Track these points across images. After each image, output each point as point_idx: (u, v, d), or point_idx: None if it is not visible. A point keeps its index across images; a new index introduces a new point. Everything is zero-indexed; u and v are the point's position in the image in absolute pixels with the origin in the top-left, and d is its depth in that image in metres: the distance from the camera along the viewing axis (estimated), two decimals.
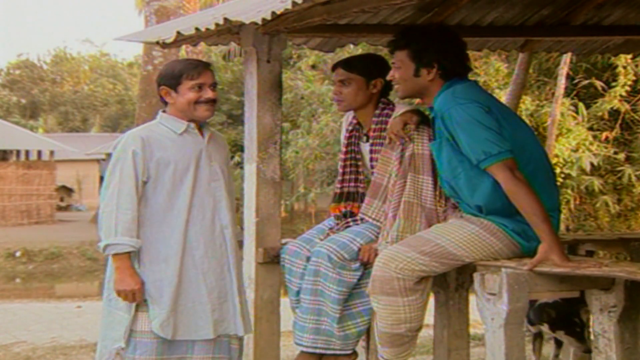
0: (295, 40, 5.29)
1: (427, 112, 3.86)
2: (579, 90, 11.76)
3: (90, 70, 49.11)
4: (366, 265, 3.94)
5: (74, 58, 49.98)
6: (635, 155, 11.76)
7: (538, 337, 4.93)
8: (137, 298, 3.61)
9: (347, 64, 4.16)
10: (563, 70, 11.01)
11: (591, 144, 11.52)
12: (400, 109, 4.04)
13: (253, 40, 4.20)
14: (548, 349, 5.13)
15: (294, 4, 3.19)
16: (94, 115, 46.32)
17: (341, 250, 3.94)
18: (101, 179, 4.22)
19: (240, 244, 3.96)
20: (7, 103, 45.88)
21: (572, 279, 3.28)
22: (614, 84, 11.30)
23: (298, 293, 4.07)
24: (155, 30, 5.60)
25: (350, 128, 4.26)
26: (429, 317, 3.80)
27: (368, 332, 4.24)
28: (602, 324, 3.34)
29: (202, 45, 7.87)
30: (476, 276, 3.38)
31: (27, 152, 31.34)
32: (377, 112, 4.12)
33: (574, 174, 11.23)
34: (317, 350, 4.01)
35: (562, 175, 11.05)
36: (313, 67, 17.36)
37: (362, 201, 4.08)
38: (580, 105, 11.57)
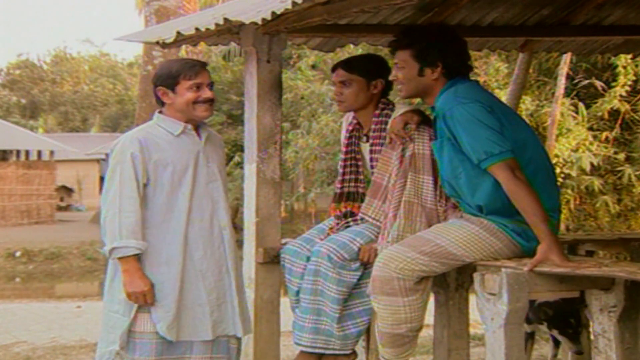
0: (295, 40, 5.29)
1: (428, 112, 3.86)
2: (579, 90, 11.77)
3: (90, 70, 49.10)
4: (366, 265, 3.94)
5: (74, 58, 49.97)
6: (635, 155, 11.77)
7: (530, 337, 4.93)
8: (149, 299, 3.60)
9: (348, 65, 4.16)
10: (563, 70, 11.03)
11: (591, 144, 11.54)
12: (400, 109, 4.04)
13: (253, 40, 4.19)
14: (548, 349, 5.13)
15: (294, 4, 3.19)
16: (94, 115, 46.33)
17: (341, 250, 3.94)
18: (101, 179, 4.20)
19: (239, 243, 3.95)
20: (7, 103, 45.89)
21: (572, 279, 3.29)
22: (614, 84, 11.31)
23: (298, 293, 4.07)
24: (155, 30, 5.60)
25: (350, 128, 4.26)
26: (429, 317, 3.80)
27: (368, 332, 4.25)
28: (602, 324, 3.33)
29: (202, 45, 7.87)
30: (476, 276, 3.38)
31: (27, 152, 31.33)
32: (377, 112, 4.11)
33: (574, 174, 11.25)
34: (317, 350, 4.01)
35: (562, 175, 11.06)
36: (313, 67, 17.37)
37: (362, 201, 4.08)
38: (580, 105, 11.59)
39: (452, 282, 3.90)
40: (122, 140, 3.73)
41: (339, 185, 4.25)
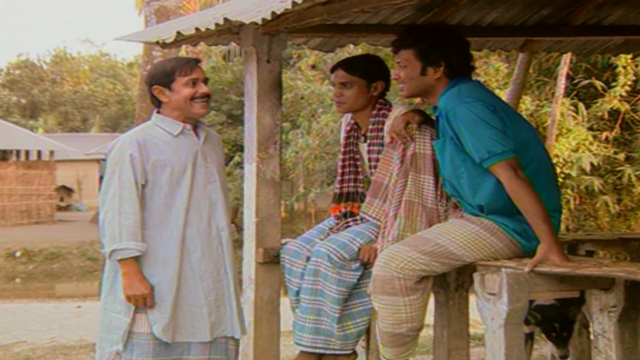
0: (295, 40, 5.29)
1: (429, 112, 3.86)
2: (579, 90, 11.77)
3: (90, 70, 49.14)
4: (366, 265, 3.94)
5: (74, 58, 50.00)
6: (635, 155, 11.77)
7: (530, 337, 4.93)
8: (148, 302, 3.60)
9: (349, 66, 4.14)
10: (563, 70, 11.03)
11: (591, 144, 11.53)
12: (397, 109, 4.04)
13: (253, 40, 4.19)
14: (548, 349, 5.13)
15: (294, 4, 3.19)
16: (93, 115, 46.33)
17: (341, 250, 3.94)
18: (101, 179, 4.18)
19: (239, 243, 3.95)
20: (7, 103, 45.88)
21: (572, 279, 3.28)
22: (614, 84, 11.31)
23: (298, 293, 4.07)
24: (155, 30, 5.59)
25: (348, 129, 4.26)
26: (429, 317, 3.80)
27: (368, 332, 4.25)
28: (602, 324, 3.33)
29: (202, 45, 7.87)
30: (476, 276, 3.38)
31: (27, 152, 31.33)
32: (374, 112, 4.11)
33: (574, 174, 11.24)
34: (317, 350, 4.01)
35: (562, 175, 11.06)
36: (313, 67, 17.38)
37: (361, 201, 4.08)
38: (580, 105, 11.58)
39: (452, 282, 3.90)
40: (120, 141, 3.72)
41: (338, 186, 4.25)
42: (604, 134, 11.75)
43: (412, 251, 3.47)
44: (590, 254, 4.86)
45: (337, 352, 4.01)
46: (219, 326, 3.75)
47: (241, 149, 14.42)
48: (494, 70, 11.53)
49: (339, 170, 4.26)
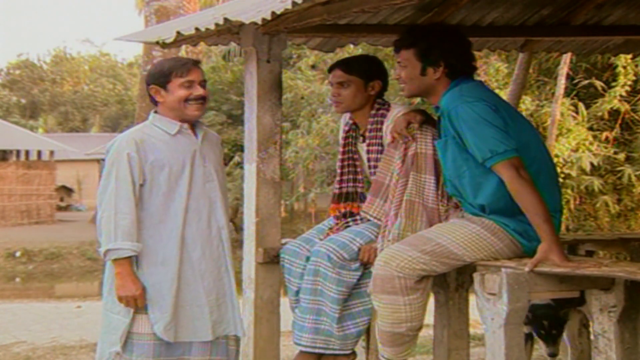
0: (295, 40, 5.29)
1: (431, 112, 3.86)
2: (579, 90, 11.76)
3: (90, 70, 49.13)
4: (366, 265, 3.94)
5: (73, 58, 49.99)
6: (635, 155, 11.77)
7: (530, 337, 4.93)
8: (139, 304, 3.59)
9: (347, 66, 4.15)
10: (563, 70, 11.03)
11: (591, 144, 11.53)
12: (396, 109, 4.05)
13: (253, 40, 4.19)
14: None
15: (294, 4, 3.19)
16: (93, 115, 46.35)
17: (341, 250, 3.94)
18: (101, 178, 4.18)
19: (239, 243, 3.95)
20: (7, 103, 45.90)
21: (572, 279, 3.28)
22: (614, 84, 11.31)
23: (297, 293, 4.07)
24: (155, 30, 5.59)
25: (346, 129, 4.27)
26: (429, 317, 3.80)
27: (368, 332, 4.25)
28: (602, 324, 3.33)
29: (202, 45, 7.86)
30: (476, 276, 3.38)
31: (27, 152, 31.35)
32: (373, 112, 4.12)
33: (574, 174, 11.24)
34: (316, 350, 4.01)
35: (562, 175, 11.05)
36: (313, 67, 17.36)
37: (361, 201, 4.08)
38: (580, 105, 11.58)
39: (452, 282, 3.90)
40: (118, 140, 3.72)
41: (337, 186, 4.25)
42: (604, 134, 11.76)
43: (412, 250, 3.47)
44: (590, 254, 4.86)
45: (336, 352, 4.01)
46: (221, 325, 3.75)
47: (241, 149, 14.41)
48: (494, 70, 11.53)
49: (338, 171, 4.26)
